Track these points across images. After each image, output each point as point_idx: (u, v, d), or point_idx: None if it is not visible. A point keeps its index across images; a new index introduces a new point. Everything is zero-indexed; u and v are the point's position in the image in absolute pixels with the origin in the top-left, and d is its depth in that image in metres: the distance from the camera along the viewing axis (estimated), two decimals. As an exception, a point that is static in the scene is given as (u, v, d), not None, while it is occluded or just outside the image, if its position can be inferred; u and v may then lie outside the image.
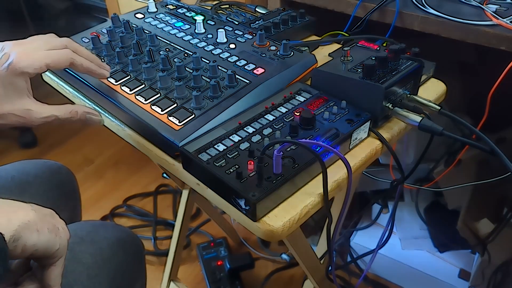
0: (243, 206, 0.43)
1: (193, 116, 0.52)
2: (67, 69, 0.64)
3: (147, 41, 0.66)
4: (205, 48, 0.65)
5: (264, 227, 0.43)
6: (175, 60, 0.62)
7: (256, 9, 0.84)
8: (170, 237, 1.17)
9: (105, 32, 0.69)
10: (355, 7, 0.80)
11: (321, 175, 0.46)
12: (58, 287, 0.41)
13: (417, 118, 0.53)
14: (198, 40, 0.67)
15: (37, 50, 0.49)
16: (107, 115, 0.60)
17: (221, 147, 0.48)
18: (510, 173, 0.48)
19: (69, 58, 0.51)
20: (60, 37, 0.70)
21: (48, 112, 0.49)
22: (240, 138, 0.49)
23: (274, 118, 0.53)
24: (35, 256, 0.38)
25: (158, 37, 0.68)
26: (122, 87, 0.58)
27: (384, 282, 1.24)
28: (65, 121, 0.50)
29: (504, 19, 0.69)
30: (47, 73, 0.70)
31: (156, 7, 0.78)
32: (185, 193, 1.11)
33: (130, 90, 0.58)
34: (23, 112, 0.48)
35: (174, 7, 0.79)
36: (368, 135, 0.55)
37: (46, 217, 0.40)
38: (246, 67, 0.60)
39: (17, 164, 0.74)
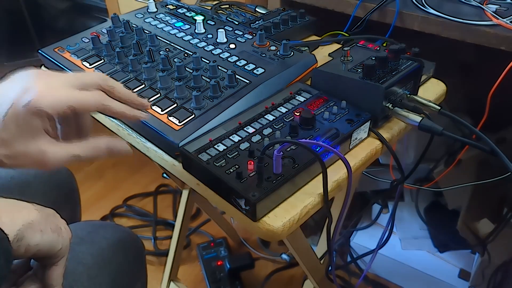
0: (243, 206, 0.43)
1: (193, 116, 0.52)
2: (66, 68, 0.64)
3: (147, 41, 0.66)
4: (205, 48, 0.65)
5: (264, 227, 0.43)
6: (175, 60, 0.62)
7: (256, 9, 0.84)
8: (170, 237, 1.17)
9: (105, 32, 0.69)
10: (355, 7, 0.80)
11: (321, 175, 0.46)
12: (59, 287, 0.41)
13: (417, 118, 0.53)
14: (198, 40, 0.67)
15: (63, 88, 0.42)
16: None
17: (221, 147, 0.48)
18: (510, 173, 0.48)
19: (99, 103, 0.43)
20: (59, 38, 0.71)
21: (67, 153, 0.42)
22: (240, 138, 0.49)
23: (274, 118, 0.53)
24: (38, 256, 0.38)
25: (158, 37, 0.68)
26: (122, 87, 0.58)
27: (384, 282, 1.24)
28: (90, 160, 0.43)
29: (504, 19, 0.69)
30: (47, 73, 0.70)
31: (156, 7, 0.78)
32: (185, 193, 1.11)
33: (130, 90, 0.58)
34: (38, 154, 0.41)
35: (174, 7, 0.79)
36: (368, 135, 0.55)
37: (49, 217, 0.40)
38: (246, 67, 0.60)
39: None
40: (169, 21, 0.73)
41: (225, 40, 0.66)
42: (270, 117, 0.53)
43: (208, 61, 0.61)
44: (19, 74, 0.42)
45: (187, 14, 0.76)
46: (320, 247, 0.86)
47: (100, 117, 0.62)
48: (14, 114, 0.39)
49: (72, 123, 0.46)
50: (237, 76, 0.58)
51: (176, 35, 0.69)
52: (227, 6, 0.86)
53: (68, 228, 0.42)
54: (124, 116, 0.45)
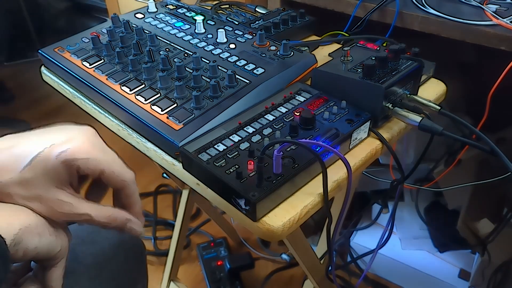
0: (243, 206, 0.43)
1: (193, 116, 0.52)
2: (66, 68, 0.64)
3: (147, 41, 0.66)
4: (205, 48, 0.65)
5: (264, 227, 0.43)
6: (175, 60, 0.62)
7: (256, 9, 0.84)
8: (170, 237, 1.17)
9: (105, 32, 0.69)
10: (355, 7, 0.80)
11: (321, 175, 0.46)
12: None
13: (417, 118, 0.53)
14: (198, 40, 0.67)
15: (104, 152, 0.41)
16: (107, 115, 0.61)
17: (221, 147, 0.48)
18: (510, 173, 0.48)
19: (127, 184, 0.43)
20: (59, 38, 0.71)
21: (82, 210, 0.40)
22: (240, 138, 0.49)
23: (274, 118, 0.53)
24: (37, 258, 0.38)
25: (158, 37, 0.68)
26: (122, 87, 0.58)
27: (384, 282, 1.24)
28: (99, 224, 0.42)
29: (504, 19, 0.69)
30: (47, 72, 0.70)
31: (156, 7, 0.78)
32: (185, 193, 1.11)
33: (130, 90, 0.58)
34: (54, 202, 0.39)
35: (174, 7, 0.79)
36: (368, 135, 0.55)
37: (47, 219, 0.40)
38: (246, 67, 0.60)
39: None
40: (169, 21, 0.73)
41: (225, 40, 0.66)
42: (270, 117, 0.53)
43: (208, 61, 0.61)
44: (72, 127, 0.42)
45: (187, 14, 0.76)
46: (320, 247, 0.86)
47: (100, 116, 0.62)
48: (46, 158, 0.38)
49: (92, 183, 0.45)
50: (237, 76, 0.58)
51: (176, 35, 0.69)
52: (227, 6, 0.86)
53: (67, 230, 0.42)
54: (135, 232, 0.45)
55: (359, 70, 0.55)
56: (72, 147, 0.39)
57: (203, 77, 0.58)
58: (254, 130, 0.51)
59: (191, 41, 0.67)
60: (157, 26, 0.72)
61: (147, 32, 0.69)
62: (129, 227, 0.44)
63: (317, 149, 0.45)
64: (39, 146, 0.38)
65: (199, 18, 0.70)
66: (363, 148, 0.53)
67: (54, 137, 0.39)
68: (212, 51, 0.64)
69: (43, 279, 0.40)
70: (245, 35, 0.68)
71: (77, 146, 0.39)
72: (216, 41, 0.66)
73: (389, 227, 0.67)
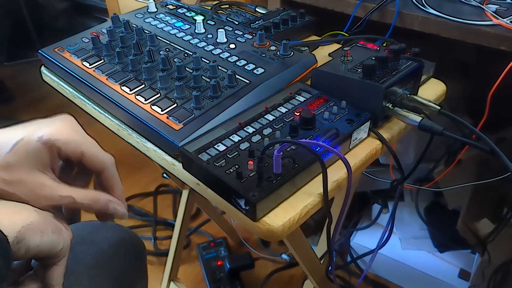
0: (243, 206, 0.43)
1: (193, 116, 0.52)
2: (66, 68, 0.64)
3: (147, 41, 0.66)
4: (205, 48, 0.65)
5: (264, 227, 0.43)
6: (175, 60, 0.62)
7: (256, 9, 0.84)
8: (170, 237, 1.17)
9: (105, 32, 0.69)
10: (355, 7, 0.80)
11: (321, 175, 0.46)
12: (60, 287, 0.41)
13: (417, 118, 0.53)
14: (198, 40, 0.67)
15: (84, 136, 0.43)
16: (107, 115, 0.61)
17: (221, 147, 0.48)
18: (510, 173, 0.48)
19: (109, 165, 0.44)
20: (59, 38, 0.71)
21: (64, 192, 0.41)
22: (240, 138, 0.49)
23: (274, 118, 0.53)
24: (38, 256, 0.38)
25: (158, 37, 0.68)
26: (122, 87, 0.58)
27: (384, 282, 1.24)
28: (83, 207, 0.42)
29: (504, 19, 0.69)
30: (47, 72, 0.70)
31: (156, 7, 0.78)
32: (185, 193, 1.11)
33: (130, 90, 0.58)
34: (36, 185, 0.40)
35: (174, 7, 0.79)
36: (368, 135, 0.55)
37: (49, 218, 0.40)
38: (246, 67, 0.60)
39: None
40: (169, 21, 0.73)
41: (225, 40, 0.66)
42: (270, 117, 0.53)
43: (208, 61, 0.61)
44: (52, 117, 0.43)
45: (187, 14, 0.76)
46: (320, 247, 0.86)
47: (100, 116, 0.62)
48: (28, 142, 0.40)
49: (74, 168, 0.46)
50: (237, 76, 0.58)
51: (176, 35, 0.69)
52: (227, 6, 0.86)
53: (69, 228, 0.42)
54: (115, 197, 0.45)
55: (359, 70, 0.55)
56: (51, 130, 0.41)
57: (203, 77, 0.58)
58: (254, 130, 0.51)
59: (191, 41, 0.67)
60: (157, 26, 0.72)
61: (147, 32, 0.69)
62: (113, 208, 0.44)
63: (317, 149, 0.45)
64: (21, 133, 0.40)
65: (199, 18, 0.70)
66: (363, 148, 0.53)
67: (35, 125, 0.41)
68: (212, 51, 0.64)
69: (44, 277, 0.40)
70: (245, 35, 0.68)
71: (57, 128, 0.41)
72: (216, 41, 0.66)
73: (389, 227, 0.67)
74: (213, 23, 0.72)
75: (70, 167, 0.46)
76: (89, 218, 0.50)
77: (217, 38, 0.66)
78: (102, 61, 0.64)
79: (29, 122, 0.42)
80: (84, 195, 0.42)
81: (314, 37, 0.78)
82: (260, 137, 0.50)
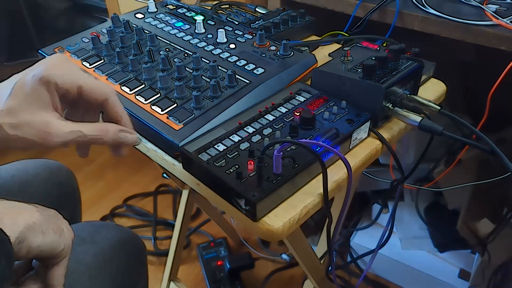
0: (243, 206, 0.43)
1: (193, 116, 0.52)
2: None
3: (147, 41, 0.66)
4: (205, 48, 0.65)
5: (264, 227, 0.43)
6: (175, 60, 0.62)
7: (256, 9, 0.84)
8: (170, 237, 1.17)
9: (105, 32, 0.69)
10: (355, 7, 0.80)
11: (321, 175, 0.46)
12: (61, 287, 0.41)
13: (417, 118, 0.53)
14: (198, 40, 0.67)
15: (78, 71, 0.43)
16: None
17: (221, 147, 0.48)
18: (510, 173, 0.48)
19: (109, 95, 0.44)
20: (59, 38, 0.71)
21: (72, 128, 0.41)
22: (240, 138, 0.49)
23: (274, 118, 0.53)
24: (40, 257, 0.38)
25: (158, 37, 0.68)
26: (122, 87, 0.58)
27: (384, 282, 1.24)
28: (93, 140, 0.42)
29: (504, 19, 0.69)
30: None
31: (156, 7, 0.78)
32: (185, 193, 1.11)
33: (130, 90, 0.58)
34: (42, 124, 0.40)
35: (174, 7, 0.79)
36: (368, 135, 0.55)
37: (51, 218, 0.40)
38: (246, 67, 0.60)
39: (17, 163, 0.74)
40: (169, 21, 0.73)
41: (225, 40, 0.66)
42: (270, 117, 0.53)
43: (208, 61, 0.61)
44: (47, 57, 0.44)
45: (187, 14, 0.76)
46: (320, 247, 0.86)
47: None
48: (23, 82, 0.40)
49: (79, 110, 0.46)
50: (237, 76, 0.58)
51: (176, 35, 0.69)
52: (227, 6, 0.86)
53: (71, 228, 0.42)
54: (123, 124, 0.45)
55: (359, 70, 0.55)
56: (45, 67, 0.41)
57: (203, 77, 0.58)
58: (254, 130, 0.51)
59: (191, 41, 0.67)
60: (157, 26, 0.72)
61: (147, 32, 0.69)
62: (123, 135, 0.44)
63: (317, 149, 0.45)
64: (17, 77, 0.41)
65: (199, 18, 0.70)
66: (363, 148, 0.53)
67: (30, 68, 0.42)
68: (212, 51, 0.64)
69: (45, 277, 0.40)
70: (245, 35, 0.68)
71: (50, 64, 0.42)
72: (216, 41, 0.66)
73: (389, 227, 0.67)
74: (213, 23, 0.72)
75: (75, 110, 0.46)
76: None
77: (217, 38, 0.66)
78: (102, 61, 0.64)
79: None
80: (92, 128, 0.42)
81: (314, 37, 0.78)
82: (260, 137, 0.50)
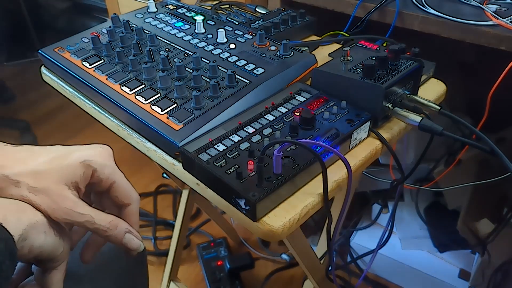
0: (243, 206, 0.43)
1: (193, 116, 0.52)
2: (66, 68, 0.64)
3: (147, 41, 0.66)
4: (205, 48, 0.65)
5: (264, 227, 0.43)
6: (175, 60, 0.62)
7: (256, 9, 0.84)
8: (170, 237, 1.17)
9: (105, 32, 0.69)
10: (355, 7, 0.80)
11: (321, 175, 0.46)
12: None
13: (417, 118, 0.53)
14: (198, 40, 0.67)
15: (115, 167, 0.43)
16: (107, 115, 0.61)
17: (221, 147, 0.48)
18: (510, 173, 0.48)
19: (134, 202, 0.47)
20: (59, 38, 0.71)
21: (85, 210, 0.40)
22: (240, 138, 0.49)
23: (274, 118, 0.53)
24: (40, 257, 0.38)
25: (158, 37, 0.68)
26: (122, 87, 0.58)
27: (384, 282, 1.24)
28: (100, 230, 0.41)
29: (504, 19, 0.69)
30: (47, 72, 0.70)
31: (156, 7, 0.78)
32: (185, 193, 1.11)
33: (130, 90, 0.58)
34: (59, 196, 0.39)
35: (174, 7, 0.79)
36: (368, 135, 0.55)
37: (53, 219, 0.40)
38: (246, 67, 0.60)
39: None
40: (169, 21, 0.73)
41: (225, 40, 0.66)
42: (270, 117, 0.53)
43: (208, 61, 0.61)
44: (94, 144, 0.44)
45: (187, 14, 0.76)
46: (320, 247, 0.86)
47: (100, 116, 0.62)
48: (66, 156, 0.41)
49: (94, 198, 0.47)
50: (237, 76, 0.58)
51: (176, 35, 0.69)
52: (227, 6, 0.86)
53: (71, 236, 0.42)
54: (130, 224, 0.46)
55: (359, 70, 0.55)
56: (92, 152, 0.42)
57: (203, 77, 0.58)
58: (254, 130, 0.51)
59: (191, 41, 0.67)
60: (157, 26, 0.72)
61: (147, 32, 0.69)
62: (128, 237, 0.44)
63: (317, 149, 0.45)
64: (63, 149, 0.41)
65: (199, 18, 0.70)
66: (363, 148, 0.53)
67: (77, 147, 0.42)
68: (212, 51, 0.64)
69: (43, 282, 0.40)
70: (245, 35, 0.68)
71: (97, 152, 0.42)
72: (216, 41, 0.66)
73: (389, 227, 0.67)
74: (213, 23, 0.72)
75: (97, 197, 0.46)
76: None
77: (217, 38, 0.66)
78: (102, 61, 0.64)
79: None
80: (104, 218, 0.41)
81: (314, 37, 0.78)
82: (260, 137, 0.50)
